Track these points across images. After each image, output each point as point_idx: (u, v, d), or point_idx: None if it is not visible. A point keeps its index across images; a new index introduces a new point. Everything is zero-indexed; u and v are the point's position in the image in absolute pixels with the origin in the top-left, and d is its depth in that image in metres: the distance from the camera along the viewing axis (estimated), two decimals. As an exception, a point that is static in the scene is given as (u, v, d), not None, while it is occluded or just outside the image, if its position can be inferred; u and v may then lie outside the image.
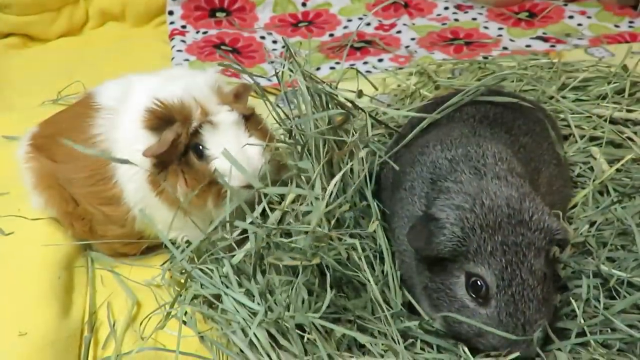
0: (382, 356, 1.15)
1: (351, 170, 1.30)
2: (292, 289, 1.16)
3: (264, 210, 1.26)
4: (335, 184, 1.21)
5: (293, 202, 1.24)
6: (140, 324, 1.31)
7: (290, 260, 1.15)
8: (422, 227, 1.11)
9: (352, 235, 1.25)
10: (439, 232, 1.09)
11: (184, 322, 1.21)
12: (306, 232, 1.15)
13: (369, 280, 1.19)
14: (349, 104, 1.35)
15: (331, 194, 1.20)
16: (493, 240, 1.07)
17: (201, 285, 1.24)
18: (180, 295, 1.25)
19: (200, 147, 1.33)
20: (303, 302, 1.13)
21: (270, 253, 1.20)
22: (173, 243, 1.32)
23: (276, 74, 1.41)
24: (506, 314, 1.05)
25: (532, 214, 1.09)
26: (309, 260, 1.13)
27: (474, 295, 1.08)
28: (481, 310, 1.08)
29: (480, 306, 1.08)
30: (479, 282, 1.07)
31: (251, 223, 1.22)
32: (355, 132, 1.32)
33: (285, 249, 1.19)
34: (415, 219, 1.17)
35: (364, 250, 1.25)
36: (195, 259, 1.28)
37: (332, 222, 1.21)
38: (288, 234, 1.22)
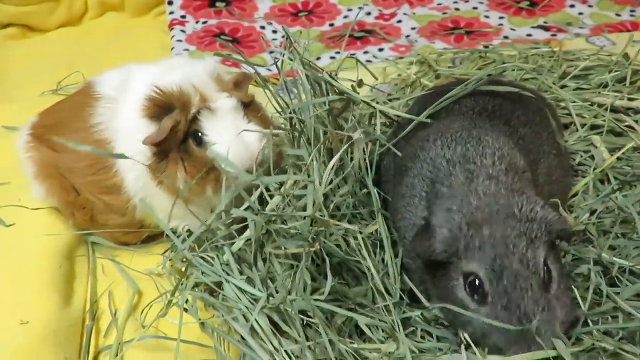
0: (382, 343, 1.15)
1: (351, 159, 1.30)
2: (294, 274, 1.15)
3: (263, 198, 1.26)
4: (332, 167, 1.20)
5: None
6: (142, 312, 1.31)
7: (293, 248, 1.15)
8: (421, 236, 1.13)
9: (351, 222, 1.24)
10: (431, 237, 1.10)
11: (185, 310, 1.21)
12: (304, 218, 1.15)
13: (368, 268, 1.19)
14: (348, 92, 1.34)
15: (328, 179, 1.19)
16: (480, 235, 1.06)
17: (202, 273, 1.23)
18: (181, 284, 1.25)
19: (199, 133, 1.33)
20: (305, 287, 1.13)
21: (270, 240, 1.20)
22: (174, 232, 1.32)
23: (275, 63, 1.40)
24: (500, 307, 1.03)
25: (521, 206, 1.08)
26: (311, 245, 1.13)
27: (473, 296, 1.08)
28: (481, 309, 1.07)
29: (479, 305, 1.07)
30: (475, 281, 1.07)
31: (250, 210, 1.21)
32: (354, 119, 1.31)
33: (285, 236, 1.19)
34: (418, 228, 1.18)
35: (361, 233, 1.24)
36: (196, 247, 1.28)
37: (331, 207, 1.21)
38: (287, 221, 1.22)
